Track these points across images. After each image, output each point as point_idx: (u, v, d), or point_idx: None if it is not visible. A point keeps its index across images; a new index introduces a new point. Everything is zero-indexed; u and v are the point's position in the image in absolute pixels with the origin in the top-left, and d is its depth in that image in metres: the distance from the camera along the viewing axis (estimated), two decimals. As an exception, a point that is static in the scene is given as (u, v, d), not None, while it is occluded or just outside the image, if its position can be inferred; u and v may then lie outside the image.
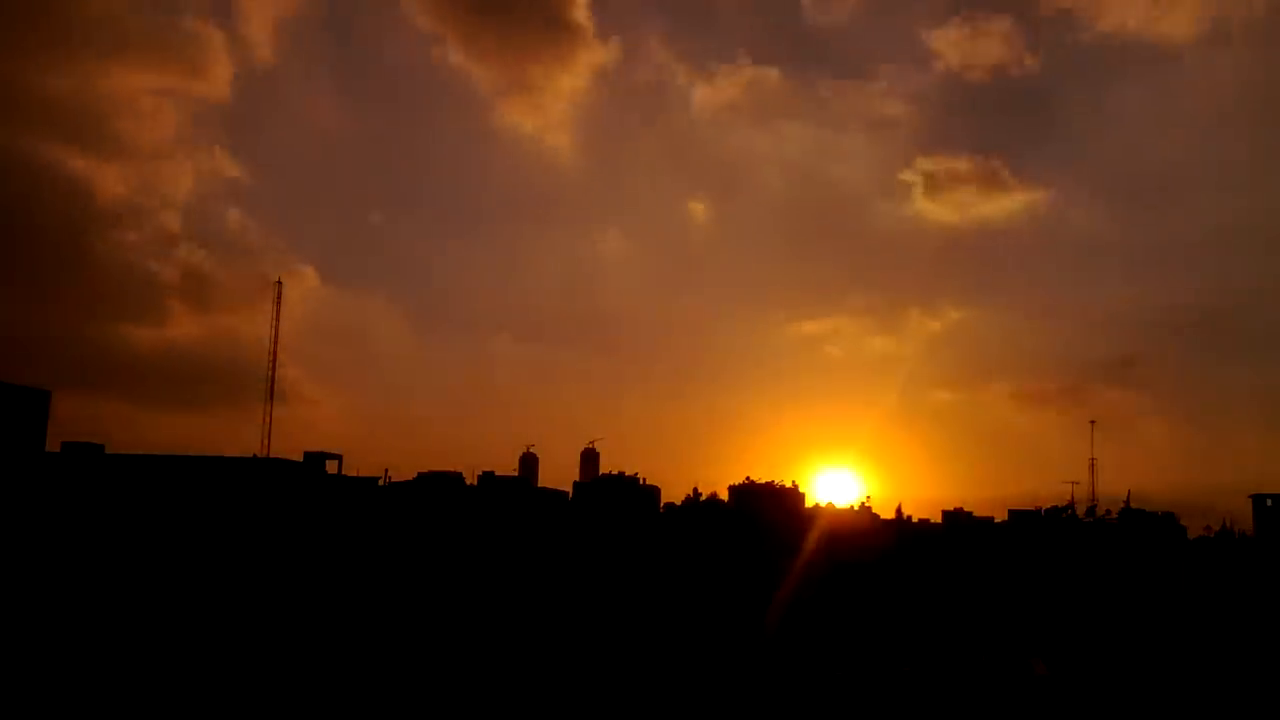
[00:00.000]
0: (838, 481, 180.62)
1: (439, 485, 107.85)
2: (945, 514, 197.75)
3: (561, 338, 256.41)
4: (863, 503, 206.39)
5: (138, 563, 72.33)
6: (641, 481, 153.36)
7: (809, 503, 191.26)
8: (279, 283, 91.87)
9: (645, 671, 51.48)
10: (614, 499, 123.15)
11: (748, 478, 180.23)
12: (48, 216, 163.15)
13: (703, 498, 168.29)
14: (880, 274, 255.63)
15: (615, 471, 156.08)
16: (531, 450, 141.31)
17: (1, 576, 64.47)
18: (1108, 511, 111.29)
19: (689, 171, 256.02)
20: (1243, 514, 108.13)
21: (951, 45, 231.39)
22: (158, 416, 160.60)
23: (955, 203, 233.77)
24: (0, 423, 71.09)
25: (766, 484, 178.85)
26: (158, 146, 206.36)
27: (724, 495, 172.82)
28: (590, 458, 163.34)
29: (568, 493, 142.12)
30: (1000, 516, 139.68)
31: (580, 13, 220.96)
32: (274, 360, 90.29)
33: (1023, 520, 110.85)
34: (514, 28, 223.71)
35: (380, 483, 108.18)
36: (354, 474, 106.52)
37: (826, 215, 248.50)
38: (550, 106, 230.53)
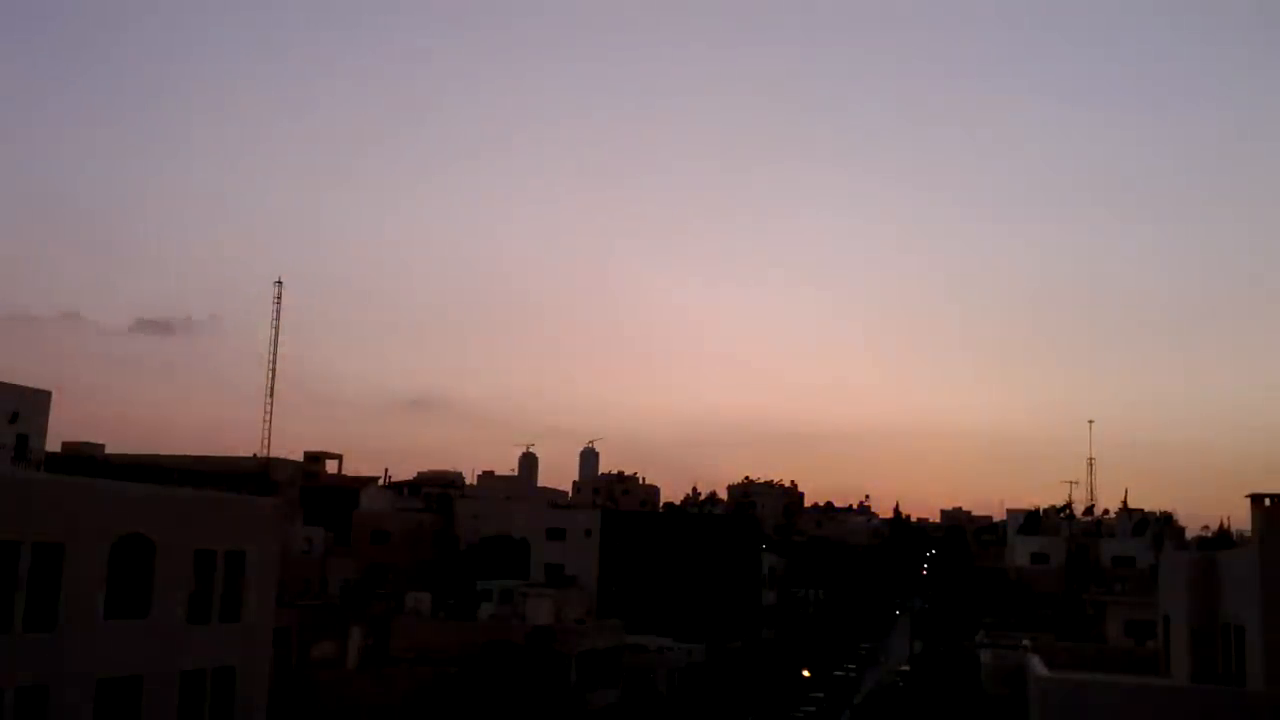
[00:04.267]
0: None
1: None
2: (943, 513, 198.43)
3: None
4: (862, 501, 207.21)
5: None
6: (641, 481, 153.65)
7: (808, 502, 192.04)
8: (279, 282, 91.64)
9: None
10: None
11: (746, 477, 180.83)
12: None
13: (701, 497, 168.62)
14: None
15: (615, 471, 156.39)
16: (531, 450, 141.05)
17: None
18: (1105, 511, 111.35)
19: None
20: (1241, 513, 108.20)
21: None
22: None
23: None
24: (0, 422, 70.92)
25: (765, 483, 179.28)
26: None
27: (723, 494, 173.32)
28: (590, 458, 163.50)
29: (567, 492, 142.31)
30: (999, 516, 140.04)
31: None
32: (274, 360, 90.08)
33: (1020, 520, 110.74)
34: None
35: (380, 483, 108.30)
36: (354, 474, 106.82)
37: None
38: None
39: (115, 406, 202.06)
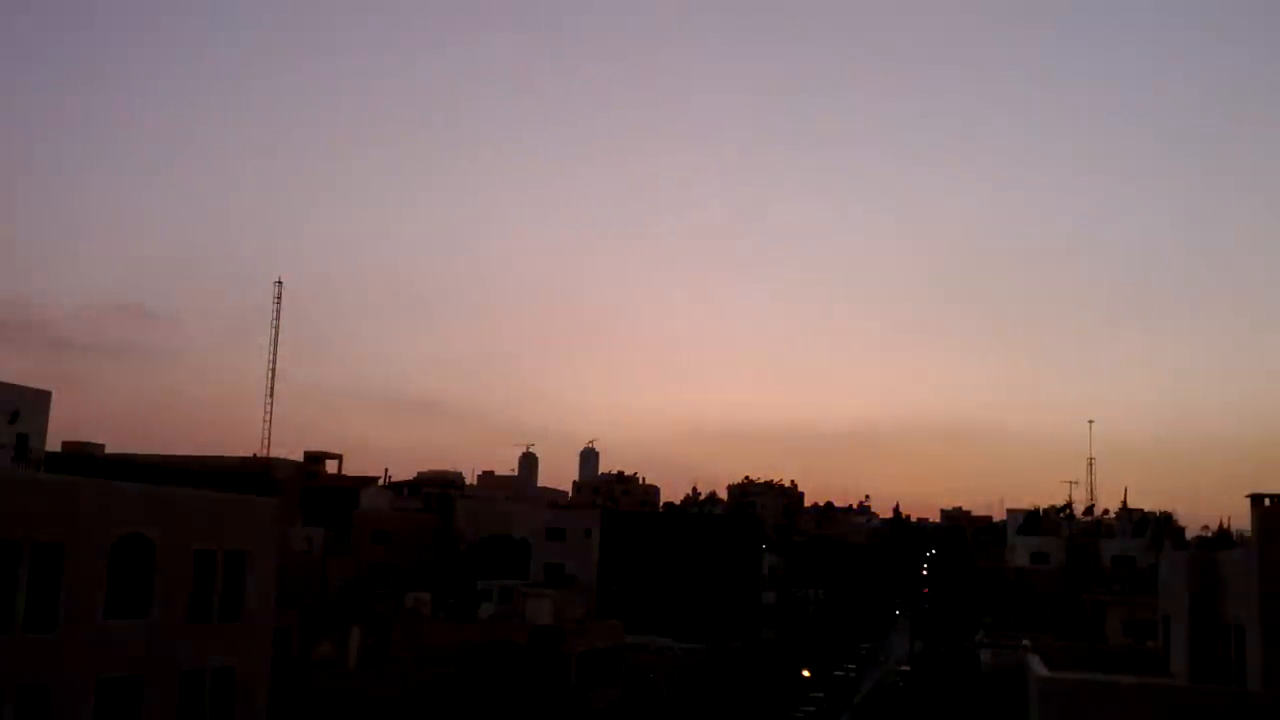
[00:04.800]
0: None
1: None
2: (943, 513, 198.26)
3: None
4: (862, 501, 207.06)
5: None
6: (641, 481, 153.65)
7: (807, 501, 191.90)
8: (279, 282, 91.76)
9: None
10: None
11: (746, 477, 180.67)
12: None
13: (701, 497, 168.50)
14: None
15: (615, 471, 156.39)
16: (531, 450, 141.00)
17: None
18: (1105, 511, 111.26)
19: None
20: (1241, 513, 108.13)
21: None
22: None
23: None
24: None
25: (765, 483, 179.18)
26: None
27: (723, 494, 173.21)
28: (590, 458, 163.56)
29: (567, 492, 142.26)
30: (999, 516, 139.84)
31: None
32: (274, 360, 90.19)
33: (1020, 520, 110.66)
34: None
35: (380, 483, 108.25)
36: (354, 474, 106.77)
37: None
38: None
39: (115, 406, 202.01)
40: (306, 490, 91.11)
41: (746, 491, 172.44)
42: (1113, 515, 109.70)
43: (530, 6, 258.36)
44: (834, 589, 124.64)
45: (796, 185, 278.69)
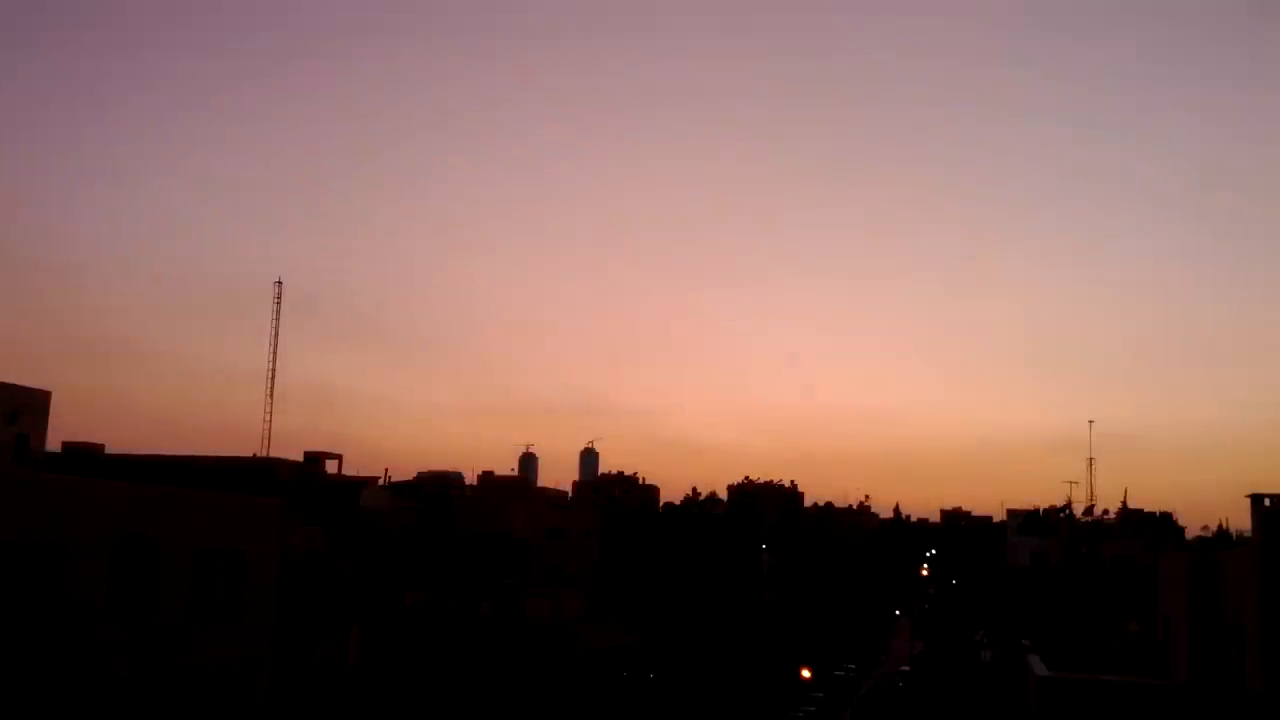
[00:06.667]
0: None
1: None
2: (944, 513, 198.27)
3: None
4: (861, 501, 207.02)
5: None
6: (641, 481, 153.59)
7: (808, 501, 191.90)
8: (279, 282, 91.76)
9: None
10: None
11: (746, 477, 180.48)
12: None
13: (701, 497, 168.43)
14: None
15: (615, 471, 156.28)
16: (531, 450, 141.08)
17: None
18: (1105, 511, 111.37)
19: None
20: (1241, 513, 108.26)
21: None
22: None
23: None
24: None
25: (765, 483, 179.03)
26: None
27: (723, 494, 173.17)
28: (590, 458, 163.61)
29: (567, 492, 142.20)
30: (999, 516, 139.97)
31: None
32: (274, 360, 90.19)
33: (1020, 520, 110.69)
34: None
35: (380, 483, 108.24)
36: (354, 474, 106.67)
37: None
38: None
39: (115, 406, 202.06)
40: (306, 490, 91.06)
41: (746, 491, 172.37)
42: (1113, 515, 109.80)
43: (558, 7, 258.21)
44: (834, 589, 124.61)
45: (808, 203, 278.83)
